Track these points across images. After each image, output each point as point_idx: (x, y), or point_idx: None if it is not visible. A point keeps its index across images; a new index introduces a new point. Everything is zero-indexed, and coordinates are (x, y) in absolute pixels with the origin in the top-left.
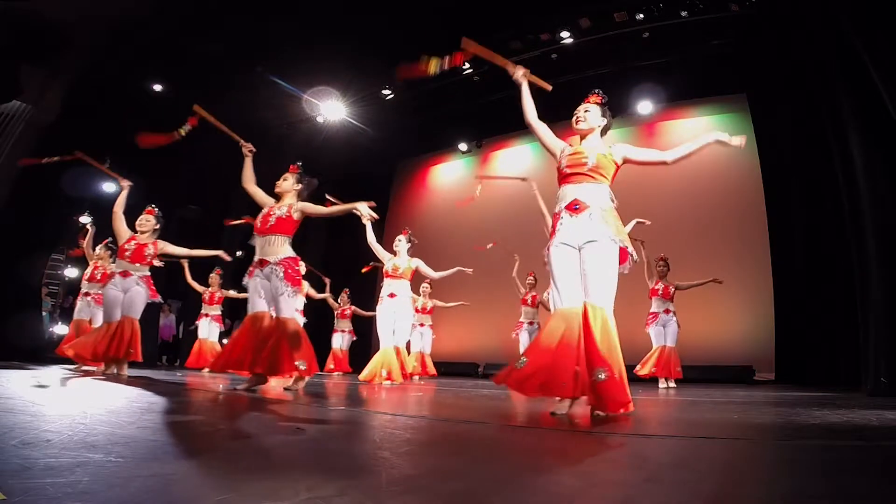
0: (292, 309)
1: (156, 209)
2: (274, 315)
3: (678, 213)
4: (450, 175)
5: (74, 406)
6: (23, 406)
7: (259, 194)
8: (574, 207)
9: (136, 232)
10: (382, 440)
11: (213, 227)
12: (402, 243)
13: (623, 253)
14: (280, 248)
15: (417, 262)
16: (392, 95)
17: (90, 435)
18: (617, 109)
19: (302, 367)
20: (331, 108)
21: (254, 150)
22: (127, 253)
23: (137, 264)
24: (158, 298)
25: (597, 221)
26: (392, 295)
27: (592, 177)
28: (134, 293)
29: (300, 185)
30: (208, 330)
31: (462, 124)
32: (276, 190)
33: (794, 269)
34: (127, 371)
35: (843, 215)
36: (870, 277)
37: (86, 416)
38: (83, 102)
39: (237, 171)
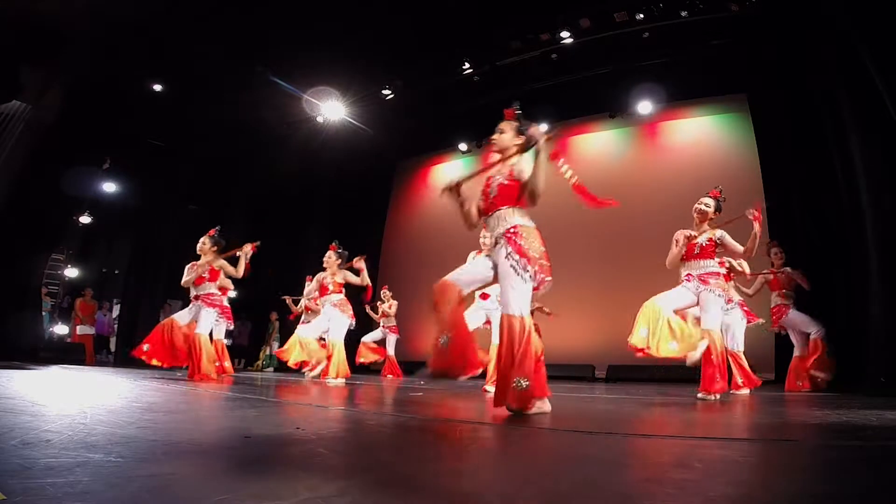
0: (523, 302)
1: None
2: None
3: (678, 214)
4: (450, 175)
5: (74, 406)
6: (23, 406)
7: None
8: None
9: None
10: (382, 440)
11: (212, 227)
12: None
13: None
14: (508, 221)
15: None
16: (392, 95)
17: (90, 435)
18: (617, 109)
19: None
20: (331, 108)
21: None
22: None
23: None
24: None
25: None
26: None
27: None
28: None
29: (522, 138)
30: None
31: (462, 124)
32: (494, 149)
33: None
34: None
35: (842, 215)
36: (869, 277)
37: (86, 416)
38: (83, 102)
39: (237, 171)
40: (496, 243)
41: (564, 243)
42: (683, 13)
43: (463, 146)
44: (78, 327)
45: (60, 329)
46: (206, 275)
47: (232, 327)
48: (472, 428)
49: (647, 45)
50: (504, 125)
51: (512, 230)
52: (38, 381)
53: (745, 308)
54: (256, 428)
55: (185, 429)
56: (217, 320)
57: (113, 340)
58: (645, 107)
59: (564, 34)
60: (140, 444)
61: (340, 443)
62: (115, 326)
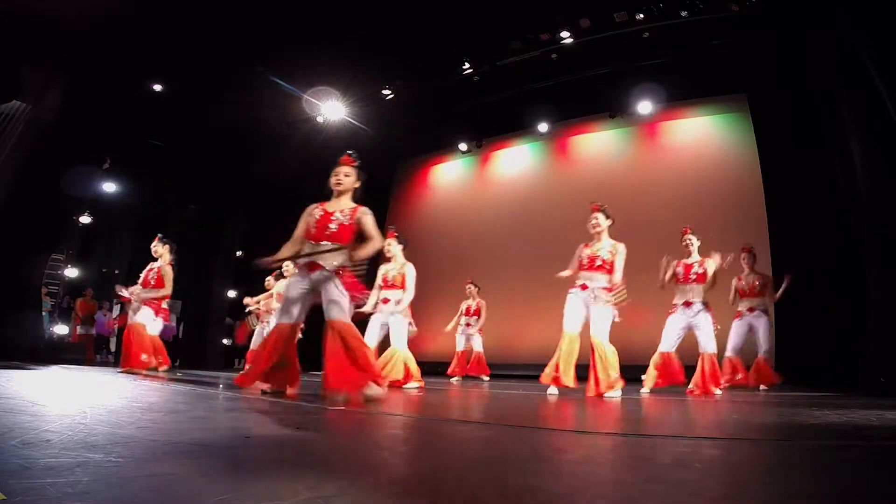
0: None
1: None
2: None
3: (678, 214)
4: (450, 175)
5: (74, 406)
6: (23, 406)
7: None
8: None
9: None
10: (382, 440)
11: (212, 227)
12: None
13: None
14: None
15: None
16: (392, 95)
17: (90, 435)
18: (617, 109)
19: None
20: (331, 108)
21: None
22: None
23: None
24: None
25: None
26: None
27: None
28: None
29: (359, 183)
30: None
31: (462, 124)
32: (339, 188)
33: (794, 269)
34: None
35: (842, 215)
36: (869, 277)
37: (86, 416)
38: (83, 102)
39: (236, 171)
40: (315, 270)
41: (565, 243)
42: (683, 13)
43: (463, 146)
44: (78, 327)
45: (60, 329)
46: (153, 280)
47: (165, 323)
48: (471, 428)
49: (647, 45)
50: (347, 169)
51: (340, 271)
52: (38, 381)
53: (711, 311)
54: (256, 428)
55: (185, 429)
56: (154, 319)
57: (113, 340)
58: (645, 107)
59: (564, 34)
60: (140, 444)
61: (340, 443)
62: (115, 326)
